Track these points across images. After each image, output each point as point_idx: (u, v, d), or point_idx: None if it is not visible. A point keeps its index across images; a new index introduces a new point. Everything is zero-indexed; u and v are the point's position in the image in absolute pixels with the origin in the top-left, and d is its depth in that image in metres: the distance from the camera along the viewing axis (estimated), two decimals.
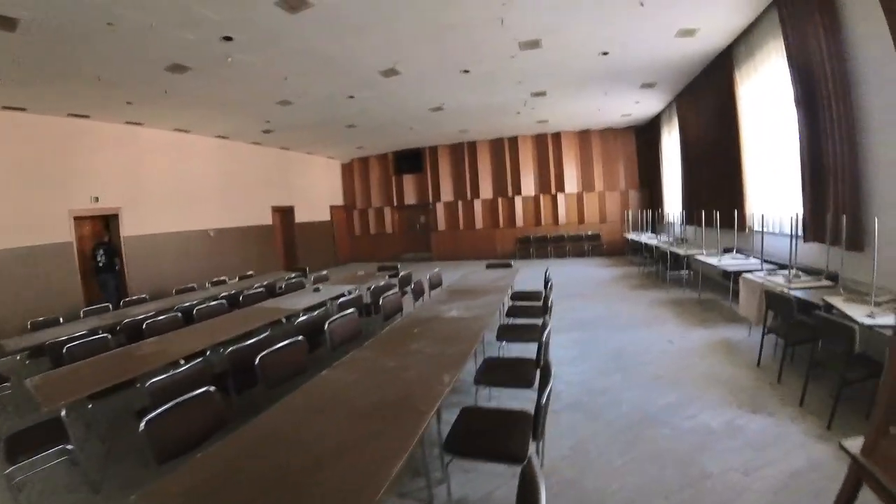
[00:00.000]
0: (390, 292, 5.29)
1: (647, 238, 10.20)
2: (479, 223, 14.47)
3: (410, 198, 15.59)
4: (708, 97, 7.80)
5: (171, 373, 2.70)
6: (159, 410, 2.01)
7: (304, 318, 4.35)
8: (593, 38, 6.18)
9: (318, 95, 8.26)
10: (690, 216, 8.90)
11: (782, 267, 4.99)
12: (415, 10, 4.99)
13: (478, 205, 14.44)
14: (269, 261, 12.34)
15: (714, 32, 6.21)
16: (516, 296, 5.88)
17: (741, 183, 6.72)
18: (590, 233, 13.22)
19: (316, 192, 15.14)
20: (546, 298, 4.49)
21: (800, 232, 5.14)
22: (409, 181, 15.56)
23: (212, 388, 2.26)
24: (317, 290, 6.35)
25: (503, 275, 6.34)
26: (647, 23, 5.63)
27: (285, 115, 9.36)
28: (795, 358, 3.82)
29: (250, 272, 9.50)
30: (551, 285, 5.19)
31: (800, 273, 4.45)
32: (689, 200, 9.28)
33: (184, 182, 10.08)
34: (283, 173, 13.43)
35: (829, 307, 3.33)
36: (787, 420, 3.00)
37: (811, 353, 3.21)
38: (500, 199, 14.15)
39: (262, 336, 3.45)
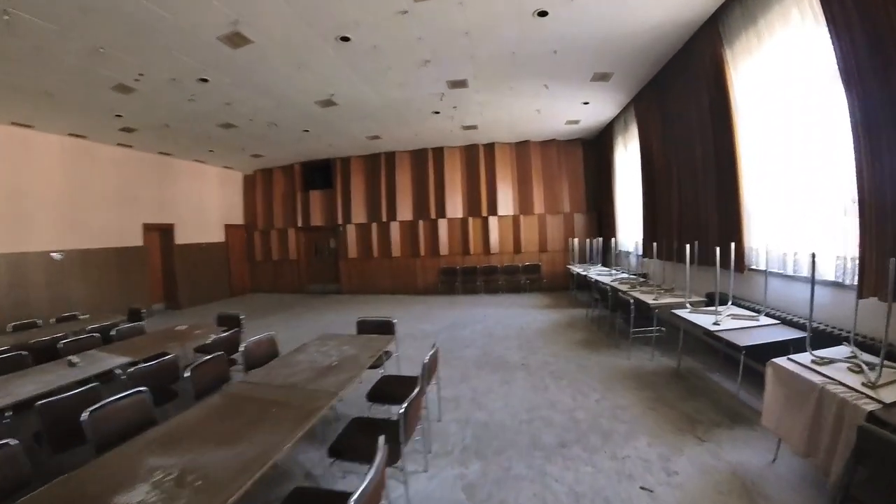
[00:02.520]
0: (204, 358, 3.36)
1: (596, 273, 8.21)
2: (395, 250, 12.09)
3: (317, 218, 13.03)
4: (683, 92, 5.96)
5: None
6: None
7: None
8: None
9: (158, 78, 6.08)
10: (651, 248, 6.98)
11: (819, 337, 2.94)
12: None
13: (395, 228, 12.08)
14: (139, 290, 10.14)
15: None
16: (381, 388, 3.49)
17: (737, 206, 4.78)
18: (527, 263, 11.18)
19: (206, 208, 12.42)
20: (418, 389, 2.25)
21: (847, 280, 3.23)
22: (316, 198, 13.02)
23: None
24: (72, 364, 3.74)
25: (377, 345, 3.91)
26: None
27: (132, 108, 7.22)
28: None
29: (76, 313, 6.85)
30: (435, 353, 3.29)
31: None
32: (651, 228, 7.39)
33: (18, 191, 7.92)
34: (162, 184, 10.95)
35: None
36: None
37: None
38: (421, 223, 11.88)
39: None
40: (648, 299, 5.31)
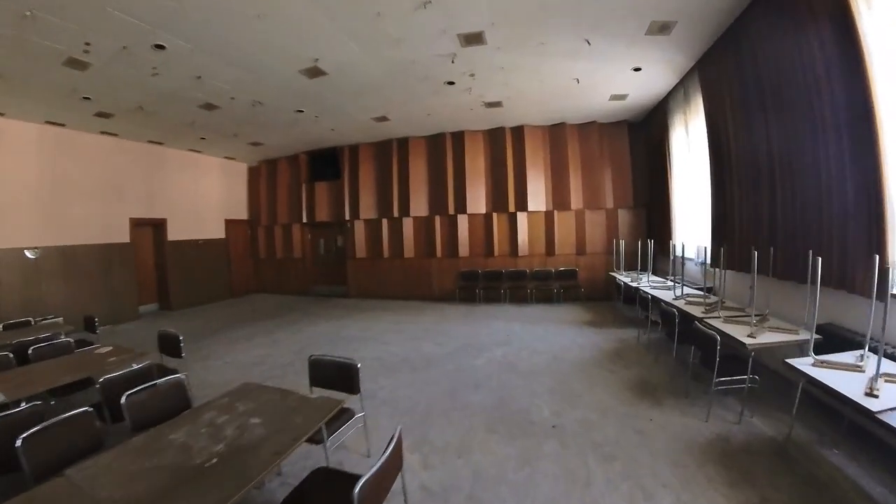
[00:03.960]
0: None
1: (650, 285, 6.54)
2: (408, 250, 10.65)
3: (323, 213, 11.75)
4: (779, 44, 4.23)
5: None
6: None
7: None
8: None
9: (108, 47, 5.12)
10: (720, 255, 5.26)
11: None
12: None
13: (408, 225, 10.64)
14: (126, 290, 9.42)
15: None
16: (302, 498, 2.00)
17: (878, 205, 3.09)
18: (562, 268, 9.51)
19: (204, 202, 11.56)
20: None
21: None
22: (322, 191, 11.78)
23: None
24: None
25: (317, 413, 2.43)
26: None
27: (95, 87, 6.38)
28: None
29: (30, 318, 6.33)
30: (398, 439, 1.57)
31: None
32: (721, 230, 5.69)
33: None
34: (152, 176, 10.16)
35: None
36: None
37: None
38: (437, 219, 10.38)
39: None
40: (742, 336, 3.65)
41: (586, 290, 9.24)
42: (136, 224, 9.70)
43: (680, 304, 5.04)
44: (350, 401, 2.84)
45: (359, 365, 3.04)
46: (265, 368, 5.53)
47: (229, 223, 12.45)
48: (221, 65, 5.86)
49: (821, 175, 3.74)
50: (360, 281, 11.24)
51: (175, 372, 3.81)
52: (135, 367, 3.45)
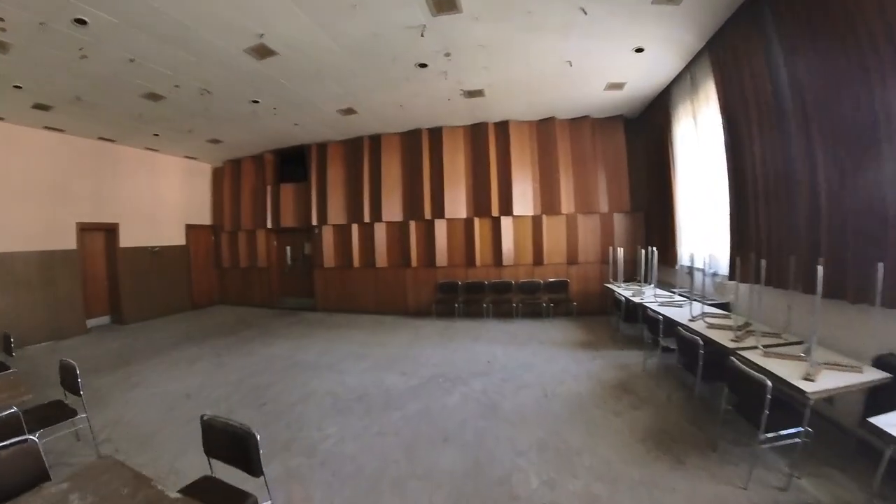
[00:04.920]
0: None
1: (657, 300, 5.65)
2: (381, 259, 9.65)
3: (289, 217, 10.75)
4: (814, 10, 3.38)
5: None
6: None
7: None
8: None
9: (23, 23, 4.41)
10: (742, 266, 4.39)
11: None
12: None
13: (380, 231, 9.65)
14: (70, 301, 8.39)
15: None
16: None
17: None
18: (552, 280, 8.61)
19: (162, 205, 10.63)
20: None
21: None
22: (288, 193, 10.80)
23: None
24: None
25: None
26: None
27: (21, 73, 5.64)
28: None
29: None
30: None
31: None
32: (741, 237, 4.83)
33: None
34: (103, 176, 9.20)
35: None
36: None
37: None
38: (412, 224, 9.42)
39: None
40: (796, 377, 2.75)
41: (579, 304, 8.33)
42: (84, 229, 8.76)
43: (699, 326, 4.15)
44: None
45: (258, 436, 2.06)
46: (192, 406, 4.55)
47: (191, 229, 11.46)
48: (154, 43, 4.98)
49: (885, 165, 2.89)
50: (328, 293, 10.22)
51: (73, 413, 3.35)
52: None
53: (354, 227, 9.86)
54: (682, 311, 4.88)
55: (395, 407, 4.28)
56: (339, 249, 10.11)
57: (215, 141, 9.78)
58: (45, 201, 8.01)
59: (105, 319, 9.43)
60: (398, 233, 9.54)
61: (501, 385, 4.81)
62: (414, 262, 9.33)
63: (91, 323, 8.90)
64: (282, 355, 6.48)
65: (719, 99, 5.23)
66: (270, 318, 9.73)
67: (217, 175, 12.05)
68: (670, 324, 4.52)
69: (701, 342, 3.55)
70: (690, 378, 4.06)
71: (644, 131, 8.44)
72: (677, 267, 7.17)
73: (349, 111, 7.90)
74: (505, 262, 8.82)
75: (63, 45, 4.85)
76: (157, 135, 9.01)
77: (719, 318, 4.46)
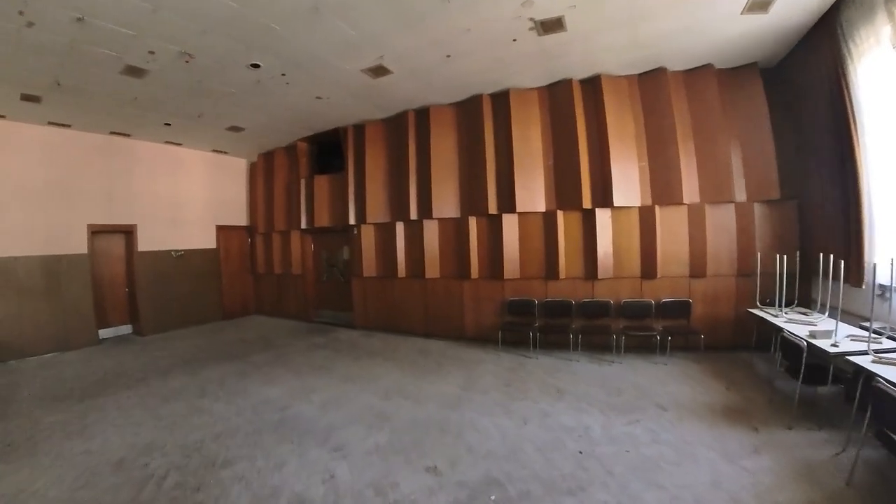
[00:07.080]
0: None
1: (857, 346, 3.13)
2: (432, 267, 7.64)
3: (323, 216, 9.04)
4: None
5: None
6: None
7: None
8: None
9: None
10: None
11: None
12: None
13: (431, 230, 7.65)
14: (80, 311, 7.76)
15: None
16: None
17: None
18: (667, 299, 6.17)
19: (187, 204, 9.71)
20: None
21: None
22: (322, 187, 9.11)
23: None
24: None
25: None
26: None
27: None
28: None
29: None
30: None
31: None
32: None
33: None
34: (116, 174, 8.46)
35: None
36: None
37: None
38: (472, 221, 7.29)
39: None
40: None
41: (709, 337, 5.84)
42: (96, 232, 8.13)
43: None
44: None
45: None
46: (110, 484, 3.14)
47: (222, 230, 10.38)
48: None
49: None
50: (367, 308, 8.45)
51: None
52: None
53: (399, 226, 7.95)
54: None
55: None
56: (381, 254, 8.27)
57: (236, 129, 8.44)
58: (49, 202, 7.44)
59: (126, 329, 8.79)
60: (453, 232, 7.47)
61: None
62: (474, 273, 7.20)
63: (107, 333, 8.35)
64: (275, 402, 4.80)
65: None
66: (299, 335, 8.26)
67: (253, 171, 10.91)
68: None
69: None
70: None
71: (794, 81, 5.74)
72: (864, 286, 4.51)
73: (379, 70, 5.89)
74: (601, 275, 6.43)
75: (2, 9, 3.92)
76: (168, 124, 7.90)
77: None
